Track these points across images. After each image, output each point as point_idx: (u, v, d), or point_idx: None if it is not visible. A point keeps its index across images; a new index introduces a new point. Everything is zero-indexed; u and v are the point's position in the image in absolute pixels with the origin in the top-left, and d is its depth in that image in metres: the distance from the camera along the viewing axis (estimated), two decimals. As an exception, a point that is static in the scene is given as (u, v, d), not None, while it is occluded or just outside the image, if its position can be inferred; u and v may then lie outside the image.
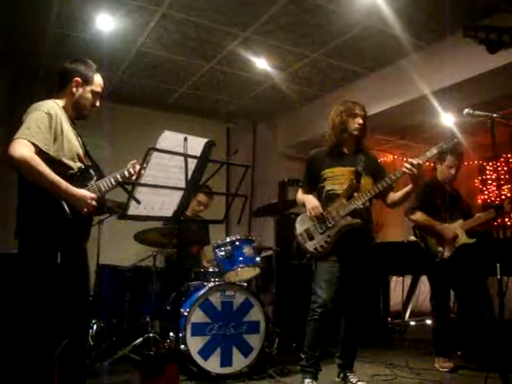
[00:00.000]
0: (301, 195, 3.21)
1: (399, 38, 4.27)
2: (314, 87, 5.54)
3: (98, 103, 2.44)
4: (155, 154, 2.05)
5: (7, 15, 3.96)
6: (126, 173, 2.40)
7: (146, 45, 4.50)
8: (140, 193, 2.08)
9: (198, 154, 2.17)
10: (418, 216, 3.58)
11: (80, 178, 2.23)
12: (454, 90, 4.39)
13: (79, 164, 2.28)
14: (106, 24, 4.10)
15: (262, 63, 4.85)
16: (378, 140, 6.65)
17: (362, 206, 2.94)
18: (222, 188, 5.85)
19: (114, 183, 2.34)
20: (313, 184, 3.15)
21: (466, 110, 2.77)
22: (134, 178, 2.26)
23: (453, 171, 3.69)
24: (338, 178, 3.03)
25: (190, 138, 2.13)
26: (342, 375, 3.07)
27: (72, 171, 2.22)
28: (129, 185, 2.13)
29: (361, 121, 3.04)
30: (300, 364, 3.00)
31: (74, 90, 2.34)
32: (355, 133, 3.05)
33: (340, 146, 3.10)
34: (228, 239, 3.77)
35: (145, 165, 2.06)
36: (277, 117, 6.57)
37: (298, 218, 3.16)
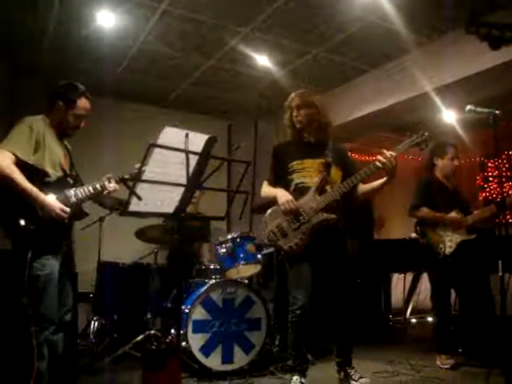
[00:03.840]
0: (267, 188, 3.05)
1: (400, 34, 4.25)
2: (316, 84, 5.52)
3: (82, 124, 2.64)
4: (156, 150, 2.04)
5: (7, 11, 3.95)
6: (98, 186, 2.62)
7: (146, 41, 4.48)
8: (141, 189, 2.07)
9: (200, 150, 2.16)
10: (425, 212, 3.56)
11: (57, 186, 2.47)
12: (455, 86, 4.38)
13: (60, 173, 2.53)
14: (106, 20, 4.09)
15: (263, 60, 4.83)
16: (378, 137, 6.63)
17: (337, 200, 2.82)
18: (224, 184, 5.83)
19: (91, 192, 2.59)
20: (280, 177, 3.01)
21: (469, 107, 2.76)
22: (134, 176, 2.35)
23: (456, 162, 3.70)
24: (307, 170, 2.92)
25: (192, 134, 2.12)
26: (342, 373, 2.98)
27: (49, 179, 2.45)
28: (130, 181, 2.13)
29: (295, 113, 2.99)
30: (286, 364, 2.97)
31: (57, 112, 2.58)
32: (297, 126, 3.02)
33: (300, 137, 3.04)
34: (229, 236, 3.74)
35: (145, 162, 2.06)
36: (278, 113, 6.53)
37: (267, 214, 2.96)
